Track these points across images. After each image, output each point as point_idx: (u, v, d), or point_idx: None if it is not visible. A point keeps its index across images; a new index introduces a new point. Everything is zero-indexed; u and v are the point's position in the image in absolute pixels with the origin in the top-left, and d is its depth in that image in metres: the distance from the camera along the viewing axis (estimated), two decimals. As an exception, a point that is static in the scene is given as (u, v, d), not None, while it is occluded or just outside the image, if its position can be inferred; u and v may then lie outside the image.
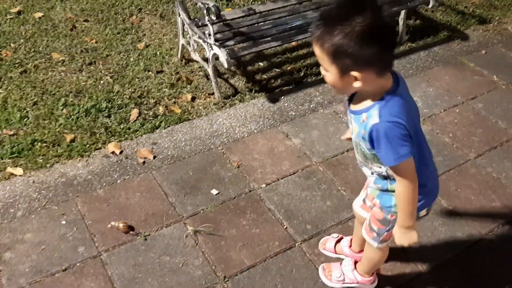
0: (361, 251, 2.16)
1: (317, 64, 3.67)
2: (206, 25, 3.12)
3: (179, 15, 3.36)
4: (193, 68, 3.58)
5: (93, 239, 2.35)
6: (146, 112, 3.15)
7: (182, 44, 3.51)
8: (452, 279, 2.24)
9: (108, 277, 2.19)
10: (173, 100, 3.26)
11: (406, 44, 3.90)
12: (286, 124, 3.07)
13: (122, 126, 3.02)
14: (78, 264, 2.24)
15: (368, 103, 1.49)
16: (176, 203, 2.54)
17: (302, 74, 3.56)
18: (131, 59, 3.62)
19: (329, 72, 1.44)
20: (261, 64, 3.67)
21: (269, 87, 3.44)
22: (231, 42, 3.10)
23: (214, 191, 2.60)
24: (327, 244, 2.30)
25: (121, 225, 2.37)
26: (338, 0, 1.44)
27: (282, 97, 3.30)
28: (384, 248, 1.92)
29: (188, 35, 3.40)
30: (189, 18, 3.31)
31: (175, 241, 2.35)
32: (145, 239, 2.36)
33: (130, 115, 3.11)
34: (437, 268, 2.28)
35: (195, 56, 3.40)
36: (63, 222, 2.43)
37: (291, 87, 3.43)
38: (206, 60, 3.28)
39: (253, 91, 3.36)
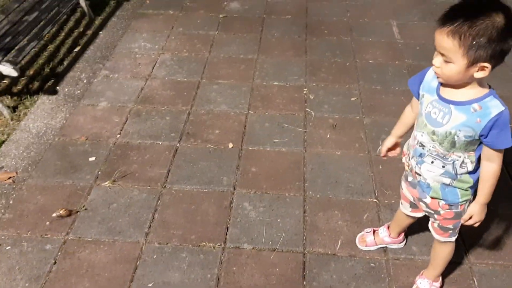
0: (399, 234, 2.38)
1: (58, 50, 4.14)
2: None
3: None
4: None
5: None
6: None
7: None
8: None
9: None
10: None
11: None
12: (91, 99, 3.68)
13: None
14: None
15: (474, 94, 1.60)
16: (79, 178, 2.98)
17: (50, 67, 4.07)
18: None
19: (453, 63, 1.51)
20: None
21: (34, 90, 3.82)
22: (-1, 57, 3.39)
23: (91, 158, 3.14)
24: (367, 240, 2.43)
25: (62, 211, 2.74)
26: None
27: (57, 87, 3.82)
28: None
29: None
30: None
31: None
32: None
33: None
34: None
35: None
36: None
37: (52, 81, 3.92)
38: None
39: (24, 98, 3.72)
